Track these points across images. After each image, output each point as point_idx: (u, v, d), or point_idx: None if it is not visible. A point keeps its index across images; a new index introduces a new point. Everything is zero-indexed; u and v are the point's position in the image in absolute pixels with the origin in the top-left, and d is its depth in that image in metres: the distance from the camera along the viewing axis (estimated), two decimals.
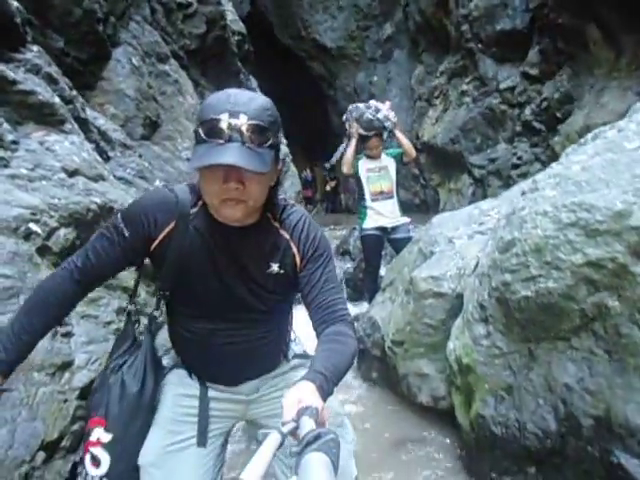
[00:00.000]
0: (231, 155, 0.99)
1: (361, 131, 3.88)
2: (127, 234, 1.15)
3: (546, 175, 2.05)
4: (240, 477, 0.68)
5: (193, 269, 1.18)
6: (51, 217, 1.78)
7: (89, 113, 3.02)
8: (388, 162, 4.03)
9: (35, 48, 2.35)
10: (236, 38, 8.48)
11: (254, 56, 9.98)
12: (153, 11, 6.53)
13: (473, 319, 2.08)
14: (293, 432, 0.82)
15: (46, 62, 2.36)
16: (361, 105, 4.09)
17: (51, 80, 2.32)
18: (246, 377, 1.31)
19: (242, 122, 1.01)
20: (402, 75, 12.11)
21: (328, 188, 15.57)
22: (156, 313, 1.30)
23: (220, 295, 1.20)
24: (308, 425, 0.80)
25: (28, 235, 1.67)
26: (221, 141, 1.01)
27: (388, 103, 4.15)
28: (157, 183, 3.45)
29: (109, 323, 1.91)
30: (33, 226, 1.68)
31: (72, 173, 2.07)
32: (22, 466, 1.28)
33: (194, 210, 1.17)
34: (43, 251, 1.73)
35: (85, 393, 1.64)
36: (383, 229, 4.01)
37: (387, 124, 3.87)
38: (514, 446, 1.83)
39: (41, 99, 2.12)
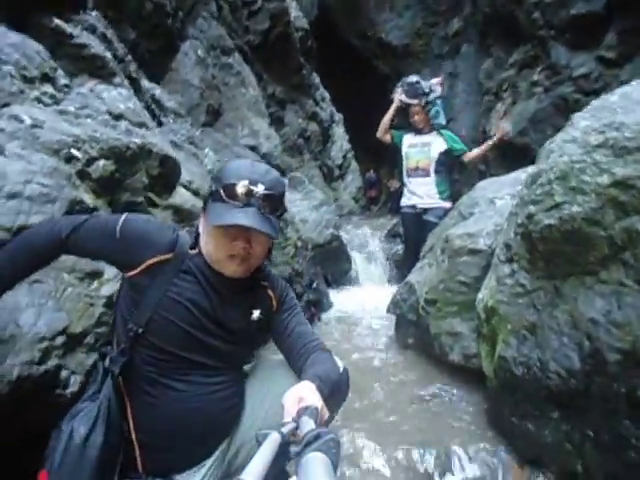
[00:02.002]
0: (250, 218, 1.12)
1: (402, 97, 3.80)
2: (118, 236, 1.20)
3: (584, 110, 1.93)
4: (240, 477, 0.69)
5: (177, 307, 1.19)
6: (92, 147, 1.95)
7: (146, 83, 3.26)
8: (434, 140, 3.87)
9: (94, 13, 2.59)
10: (299, 34, 8.70)
11: (320, 55, 10.17)
12: (219, 8, 6.90)
13: (499, 261, 1.99)
14: (293, 432, 0.82)
15: (103, 25, 2.60)
16: (413, 76, 4.07)
17: (105, 40, 2.55)
18: (216, 442, 1.29)
19: (259, 190, 1.14)
20: (470, 70, 11.76)
21: (392, 189, 15.44)
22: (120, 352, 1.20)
23: (200, 338, 1.21)
24: (308, 425, 0.81)
25: (69, 158, 1.84)
26: (239, 204, 1.13)
27: (438, 79, 4.08)
28: (207, 151, 3.64)
29: None
30: (74, 151, 1.86)
31: (117, 117, 2.25)
32: (42, 342, 1.41)
33: (192, 252, 1.24)
34: (83, 175, 1.90)
35: (111, 303, 1.78)
36: (415, 207, 3.91)
37: (431, 94, 3.78)
38: (536, 388, 1.71)
39: (94, 52, 2.35)
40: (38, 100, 1.93)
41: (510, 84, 10.09)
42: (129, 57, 2.88)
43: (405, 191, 4.07)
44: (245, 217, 1.11)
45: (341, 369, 1.29)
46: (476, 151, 3.96)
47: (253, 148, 6.15)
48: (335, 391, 1.16)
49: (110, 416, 1.14)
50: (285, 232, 4.09)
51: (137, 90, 2.80)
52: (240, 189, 1.13)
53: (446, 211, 3.77)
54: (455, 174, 4.25)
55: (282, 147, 7.13)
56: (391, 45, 12.86)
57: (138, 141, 2.21)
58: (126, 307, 1.23)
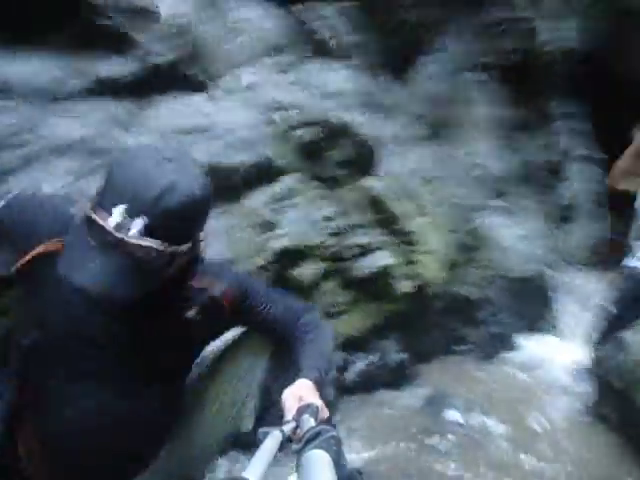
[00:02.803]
0: (90, 273, 0.76)
1: None
2: None
3: None
4: (242, 476, 0.68)
5: (75, 306, 0.88)
6: (298, 115, 2.09)
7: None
8: None
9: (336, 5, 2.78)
10: (558, 59, 7.95)
11: (581, 83, 9.12)
12: (470, 24, 6.78)
13: None
14: (294, 431, 0.83)
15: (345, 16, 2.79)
16: None
17: (341, 29, 2.73)
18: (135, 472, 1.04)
19: (132, 233, 0.75)
20: None
21: None
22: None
23: (109, 344, 0.93)
24: (308, 423, 0.82)
25: (274, 120, 2.01)
26: (94, 244, 0.77)
27: None
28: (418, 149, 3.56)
29: (327, 218, 2.12)
30: (282, 113, 2.02)
31: (331, 94, 2.37)
32: None
33: None
34: (285, 138, 2.04)
35: (279, 257, 1.86)
36: None
37: None
38: None
39: (325, 37, 2.53)
40: (267, 67, 2.15)
41: None
42: (367, 49, 3.02)
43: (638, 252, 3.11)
44: (85, 270, 0.77)
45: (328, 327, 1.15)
46: None
47: (474, 166, 5.85)
48: (331, 367, 1.11)
49: None
50: (485, 252, 3.73)
51: (357, 79, 2.91)
52: (103, 224, 0.75)
53: None
54: None
55: (505, 173, 6.62)
56: None
57: (344, 119, 2.29)
58: (15, 313, 0.99)
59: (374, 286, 2.38)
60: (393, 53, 4.99)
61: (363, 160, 2.44)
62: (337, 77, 2.48)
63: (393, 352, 2.50)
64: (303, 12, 2.48)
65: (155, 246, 0.77)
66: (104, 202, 0.76)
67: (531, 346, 3.78)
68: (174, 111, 1.60)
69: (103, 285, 0.76)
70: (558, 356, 3.49)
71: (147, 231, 0.75)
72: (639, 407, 2.10)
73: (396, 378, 2.50)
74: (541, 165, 8.14)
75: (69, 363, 0.92)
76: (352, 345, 2.29)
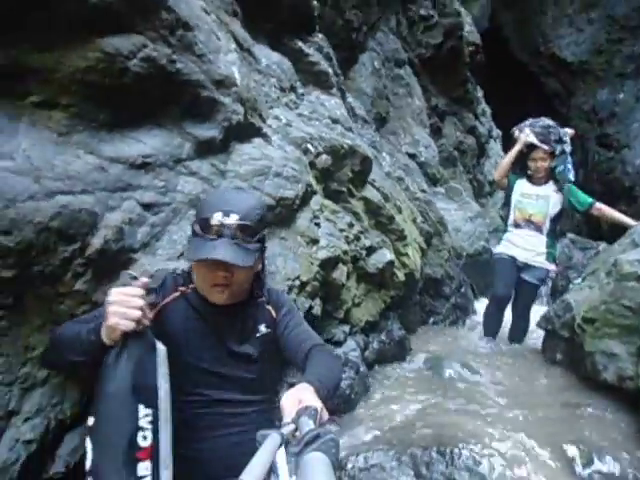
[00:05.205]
0: (220, 251, 1.14)
1: (532, 138, 3.46)
2: None
3: None
4: (240, 478, 0.69)
5: (187, 345, 1.23)
6: (319, 144, 2.49)
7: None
8: (553, 195, 3.48)
9: (320, 35, 3.18)
10: (470, 49, 8.84)
11: (486, 69, 10.15)
12: (398, 22, 7.40)
13: None
14: (293, 433, 0.83)
15: (326, 44, 3.18)
16: (545, 119, 3.66)
17: (328, 58, 3.13)
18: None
19: (232, 221, 1.17)
20: None
21: None
22: None
23: (219, 372, 1.25)
24: (307, 425, 0.82)
25: (306, 150, 2.40)
26: (213, 237, 1.16)
27: (571, 130, 3.65)
28: (384, 154, 4.09)
29: (342, 230, 2.55)
30: (309, 145, 2.41)
31: (334, 121, 2.79)
32: (288, 280, 1.96)
33: (188, 289, 1.29)
34: (312, 165, 2.45)
35: (323, 265, 2.28)
36: (515, 259, 3.56)
37: (565, 144, 3.45)
38: None
39: (321, 69, 2.92)
40: (286, 105, 2.53)
41: None
42: (339, 71, 3.43)
43: (505, 240, 3.73)
44: (216, 250, 1.14)
45: (339, 361, 1.39)
46: (612, 211, 3.46)
47: (413, 156, 6.52)
48: (335, 388, 1.20)
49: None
50: (442, 236, 4.39)
51: (343, 98, 3.34)
52: (212, 222, 1.16)
53: (548, 274, 3.54)
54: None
55: (438, 158, 7.40)
56: (566, 61, 12.19)
57: (349, 142, 2.72)
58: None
59: (380, 278, 2.89)
60: (339, 60, 5.46)
61: (365, 173, 2.91)
62: (334, 105, 2.91)
63: (396, 329, 3.03)
64: (302, 46, 2.85)
65: (250, 222, 1.19)
66: (204, 213, 1.20)
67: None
68: (250, 157, 1.95)
69: (231, 257, 1.14)
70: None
71: (240, 221, 1.18)
72: (581, 350, 2.79)
73: (400, 350, 3.03)
74: (467, 147, 9.09)
75: (195, 388, 1.22)
76: (369, 328, 2.79)
